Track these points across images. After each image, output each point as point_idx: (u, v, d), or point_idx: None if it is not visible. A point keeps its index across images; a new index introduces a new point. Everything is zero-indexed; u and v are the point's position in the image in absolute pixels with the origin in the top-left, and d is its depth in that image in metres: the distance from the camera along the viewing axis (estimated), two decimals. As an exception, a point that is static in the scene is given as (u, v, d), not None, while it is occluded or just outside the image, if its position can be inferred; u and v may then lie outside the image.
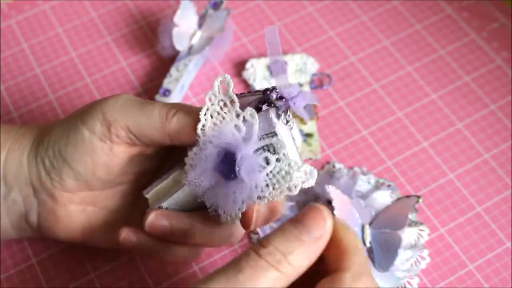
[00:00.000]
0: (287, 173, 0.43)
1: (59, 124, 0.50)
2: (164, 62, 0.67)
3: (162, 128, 0.46)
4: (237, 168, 0.43)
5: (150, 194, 0.49)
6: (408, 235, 0.56)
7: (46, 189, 0.50)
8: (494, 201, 0.59)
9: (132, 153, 0.49)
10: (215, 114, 0.44)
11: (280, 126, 0.44)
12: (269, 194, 0.43)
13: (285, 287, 0.39)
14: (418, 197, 0.55)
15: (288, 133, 0.45)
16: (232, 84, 0.44)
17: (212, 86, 0.44)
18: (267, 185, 0.43)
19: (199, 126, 0.44)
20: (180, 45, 0.64)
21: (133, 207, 0.52)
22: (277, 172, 0.43)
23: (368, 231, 0.54)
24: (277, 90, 0.44)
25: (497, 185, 0.60)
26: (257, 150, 0.43)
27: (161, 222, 0.47)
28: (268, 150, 0.43)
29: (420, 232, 0.56)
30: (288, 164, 0.43)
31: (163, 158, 0.52)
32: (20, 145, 0.50)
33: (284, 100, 0.44)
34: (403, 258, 0.55)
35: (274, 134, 0.44)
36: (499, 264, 0.56)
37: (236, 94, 0.44)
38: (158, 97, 0.63)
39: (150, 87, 0.66)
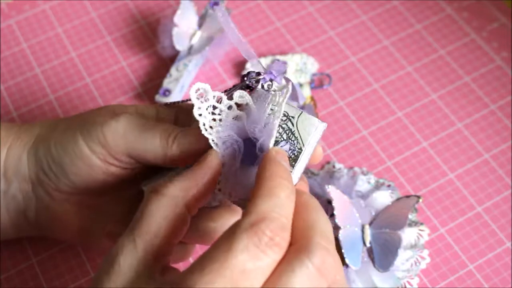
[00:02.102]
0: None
1: (61, 128, 0.50)
2: (164, 62, 0.67)
3: (164, 155, 0.46)
4: (258, 145, 0.42)
5: (147, 187, 0.49)
6: (408, 235, 0.56)
7: (43, 186, 0.50)
8: (494, 201, 0.59)
9: (129, 174, 0.49)
10: (213, 123, 0.43)
11: (272, 94, 0.44)
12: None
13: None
14: (418, 197, 0.55)
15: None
16: (208, 86, 0.43)
17: (193, 103, 0.42)
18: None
19: (210, 141, 0.43)
20: (180, 45, 0.64)
21: (130, 212, 0.52)
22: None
23: (368, 231, 0.54)
24: (253, 70, 0.44)
25: (497, 185, 0.60)
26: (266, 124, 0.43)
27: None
28: (272, 111, 0.43)
29: (420, 232, 0.56)
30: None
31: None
32: (21, 141, 0.51)
33: (263, 73, 0.44)
34: (403, 258, 0.55)
35: (271, 99, 0.43)
36: (499, 264, 0.56)
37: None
38: (158, 97, 0.63)
39: (150, 87, 0.66)
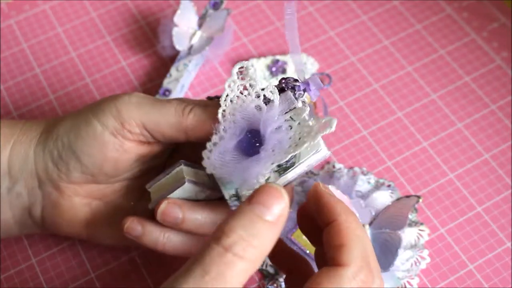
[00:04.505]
0: (310, 129, 0.43)
1: (69, 117, 0.50)
2: (164, 62, 0.67)
3: (178, 124, 0.47)
4: (262, 135, 0.44)
5: (152, 188, 0.49)
6: (408, 235, 0.56)
7: (52, 180, 0.50)
8: (494, 201, 0.59)
9: (142, 151, 0.49)
10: (235, 99, 0.45)
11: (299, 104, 0.46)
12: (293, 153, 0.43)
13: (253, 272, 0.38)
14: (418, 197, 0.55)
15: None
16: (251, 67, 0.45)
17: (231, 73, 0.45)
18: (290, 146, 0.43)
19: (220, 111, 0.45)
20: (180, 45, 0.64)
21: (139, 202, 0.52)
22: (300, 133, 0.44)
23: (368, 231, 0.54)
24: (292, 77, 0.46)
25: (497, 185, 0.60)
26: (279, 127, 0.44)
27: (173, 210, 0.47)
28: (291, 119, 0.45)
29: (420, 232, 0.56)
30: (310, 122, 0.44)
31: (170, 155, 0.52)
32: (27, 138, 0.51)
33: (300, 82, 0.46)
34: (403, 258, 0.55)
35: (295, 108, 0.45)
36: (499, 264, 0.56)
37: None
38: (158, 97, 0.63)
39: (150, 87, 0.66)
